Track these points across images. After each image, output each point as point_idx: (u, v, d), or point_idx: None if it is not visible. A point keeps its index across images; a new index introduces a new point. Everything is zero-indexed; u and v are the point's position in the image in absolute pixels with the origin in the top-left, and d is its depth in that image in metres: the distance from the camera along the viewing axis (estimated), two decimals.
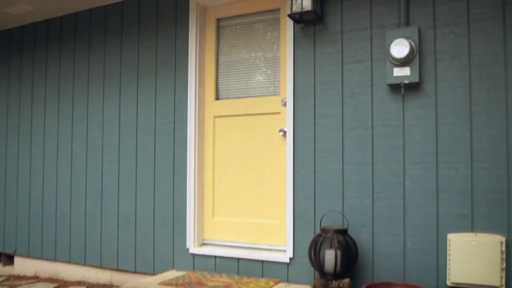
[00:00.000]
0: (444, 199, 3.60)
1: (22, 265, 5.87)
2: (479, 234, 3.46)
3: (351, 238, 3.70)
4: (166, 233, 4.74)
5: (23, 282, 5.47)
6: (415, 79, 3.64)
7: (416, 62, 3.66)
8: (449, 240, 3.50)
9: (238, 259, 4.34)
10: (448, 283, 3.49)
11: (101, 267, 5.17)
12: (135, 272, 4.89)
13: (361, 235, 3.85)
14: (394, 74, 3.71)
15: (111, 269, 5.10)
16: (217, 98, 4.77)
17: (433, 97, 3.67)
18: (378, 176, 3.83)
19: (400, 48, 3.64)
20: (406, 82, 3.66)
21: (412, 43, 3.64)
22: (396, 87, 3.77)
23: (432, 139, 3.66)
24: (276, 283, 4.06)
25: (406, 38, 3.64)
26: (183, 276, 4.35)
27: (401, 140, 3.77)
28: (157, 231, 4.79)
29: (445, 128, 3.63)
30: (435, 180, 3.64)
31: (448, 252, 3.50)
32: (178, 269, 4.64)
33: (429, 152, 3.67)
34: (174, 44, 4.82)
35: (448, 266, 3.50)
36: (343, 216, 3.92)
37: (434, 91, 3.67)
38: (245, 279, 4.15)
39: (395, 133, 3.79)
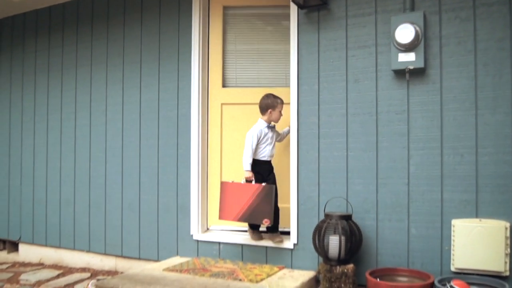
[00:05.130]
0: (448, 185, 3.63)
1: (27, 252, 5.93)
2: (483, 220, 3.49)
3: (355, 224, 3.74)
4: (170, 220, 4.79)
5: (28, 268, 5.54)
6: (420, 64, 3.66)
7: (421, 47, 3.67)
8: (454, 226, 3.54)
9: (242, 245, 4.39)
10: (452, 268, 3.53)
11: (105, 254, 5.23)
12: (139, 258, 4.95)
13: (365, 221, 3.88)
14: (399, 60, 3.73)
15: (116, 255, 5.16)
16: (224, 85, 4.79)
17: (438, 82, 3.69)
18: (383, 162, 3.86)
19: (405, 34, 3.65)
20: (411, 67, 3.68)
21: (417, 28, 3.64)
22: (401, 73, 3.78)
23: (437, 125, 3.68)
24: (280, 269, 4.11)
25: (411, 23, 3.64)
26: (187, 262, 4.40)
27: (405, 126, 3.79)
28: (161, 218, 4.84)
29: (450, 113, 3.65)
30: (439, 165, 3.66)
31: (452, 237, 3.54)
32: (182, 256, 4.69)
33: (433, 138, 3.69)
34: (177, 30, 4.83)
35: (452, 252, 3.54)
36: (347, 202, 3.95)
37: (439, 77, 3.68)
38: (249, 265, 4.20)
39: (400, 119, 3.81)
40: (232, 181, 4.26)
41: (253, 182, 4.16)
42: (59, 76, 5.66)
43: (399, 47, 3.71)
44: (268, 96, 4.30)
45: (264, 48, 4.70)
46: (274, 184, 4.22)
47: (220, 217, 4.23)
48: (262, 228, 4.34)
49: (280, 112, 4.31)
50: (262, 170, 4.29)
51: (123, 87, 5.15)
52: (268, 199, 4.04)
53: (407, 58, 3.70)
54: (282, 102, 4.29)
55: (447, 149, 3.64)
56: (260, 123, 4.30)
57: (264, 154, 4.30)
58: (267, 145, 4.29)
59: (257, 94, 4.50)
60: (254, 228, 4.35)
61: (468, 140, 3.58)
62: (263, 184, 4.10)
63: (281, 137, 4.50)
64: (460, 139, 3.61)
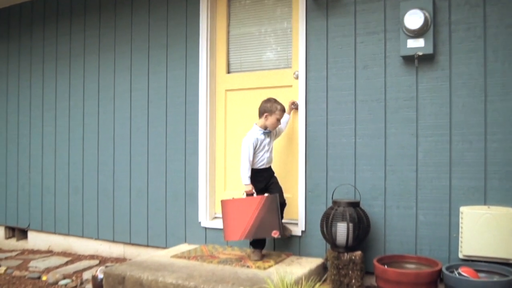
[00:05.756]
0: (457, 172, 3.66)
1: (36, 240, 6.05)
2: (492, 207, 3.52)
3: (363, 211, 3.79)
4: (178, 207, 4.86)
5: (37, 256, 5.65)
6: (429, 50, 3.68)
7: (430, 33, 3.68)
8: (462, 213, 3.57)
9: None
10: (460, 256, 3.57)
11: (114, 241, 5.32)
12: (147, 246, 5.03)
13: (373, 208, 3.93)
14: (408, 46, 3.75)
15: (124, 243, 5.25)
16: (229, 71, 4.84)
17: (447, 69, 3.71)
18: (391, 149, 3.89)
19: (414, 19, 3.67)
20: (420, 53, 3.70)
21: (427, 14, 3.66)
22: (410, 59, 3.80)
23: (445, 112, 3.71)
24: (288, 256, 4.17)
25: (421, 9, 3.66)
26: (195, 249, 4.47)
27: (414, 112, 3.82)
28: (169, 205, 4.91)
29: (459, 100, 3.67)
30: (448, 152, 3.69)
31: (460, 225, 3.58)
32: (190, 243, 4.77)
33: (442, 124, 3.72)
34: (185, 17, 4.87)
35: (460, 239, 3.58)
36: (355, 189, 4.00)
37: (448, 63, 3.71)
38: None
39: (408, 105, 3.84)
40: (233, 198, 4.08)
41: (255, 195, 4.00)
42: (67, 64, 5.73)
43: (408, 33, 3.73)
44: (269, 100, 4.10)
45: (266, 31, 4.69)
46: (278, 190, 4.09)
47: (226, 238, 4.02)
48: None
49: (278, 119, 4.06)
50: (262, 178, 4.12)
51: (131, 75, 5.21)
52: (273, 209, 3.86)
53: (416, 44, 3.72)
54: (282, 109, 4.07)
55: (456, 135, 3.67)
56: (255, 130, 4.10)
57: (262, 163, 4.09)
58: (264, 152, 4.09)
59: (260, 78, 4.57)
60: (256, 246, 4.07)
61: (477, 127, 3.61)
62: (266, 195, 3.91)
63: (278, 133, 4.32)
64: (469, 125, 3.64)
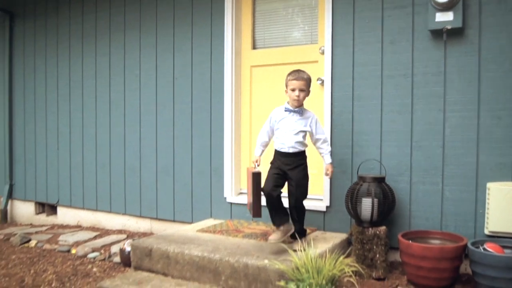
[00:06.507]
0: (484, 148, 3.70)
1: (65, 215, 6.28)
2: None
3: (388, 186, 3.85)
4: (204, 183, 5.00)
5: (66, 230, 5.88)
6: (458, 24, 3.68)
7: (459, 6, 3.68)
8: (489, 189, 3.60)
9: None
10: (486, 232, 3.62)
11: (141, 216, 5.51)
12: (173, 221, 5.19)
13: (398, 184, 3.99)
14: (436, 20, 3.76)
15: (151, 218, 5.43)
16: (254, 47, 4.91)
17: (477, 43, 3.71)
18: (418, 124, 3.93)
19: None
20: (449, 27, 3.71)
21: None
22: (438, 33, 3.81)
23: (474, 87, 3.72)
24: (313, 231, 4.27)
25: None
26: (221, 224, 4.61)
27: (442, 88, 3.84)
28: (195, 181, 5.04)
29: (488, 75, 3.68)
30: (476, 128, 3.72)
31: (487, 201, 3.61)
32: (216, 218, 4.90)
33: (470, 100, 3.74)
34: None
35: (486, 215, 3.62)
36: (381, 164, 4.06)
37: (478, 37, 3.71)
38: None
39: (436, 80, 3.86)
40: (247, 168, 4.01)
41: (257, 166, 3.87)
42: (93, 42, 5.87)
43: (436, 6, 3.73)
44: (289, 72, 3.82)
45: (292, 6, 4.73)
46: (299, 182, 3.75)
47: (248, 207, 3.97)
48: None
49: (293, 90, 3.71)
50: (282, 164, 3.79)
51: (157, 52, 5.32)
52: (252, 188, 3.68)
53: (445, 17, 3.73)
54: (296, 78, 3.71)
55: (484, 111, 3.69)
56: (282, 106, 3.88)
57: (279, 143, 3.81)
58: (281, 132, 3.80)
59: (285, 54, 4.64)
60: (277, 224, 3.76)
61: (506, 102, 3.62)
62: (253, 171, 3.70)
63: (312, 134, 3.85)
64: (498, 101, 3.65)
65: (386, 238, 3.77)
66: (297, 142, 3.75)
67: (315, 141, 3.85)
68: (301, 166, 3.81)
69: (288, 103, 3.83)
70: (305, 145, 3.83)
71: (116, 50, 5.67)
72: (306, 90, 3.74)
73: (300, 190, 3.77)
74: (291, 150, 3.76)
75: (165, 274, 3.82)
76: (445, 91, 3.83)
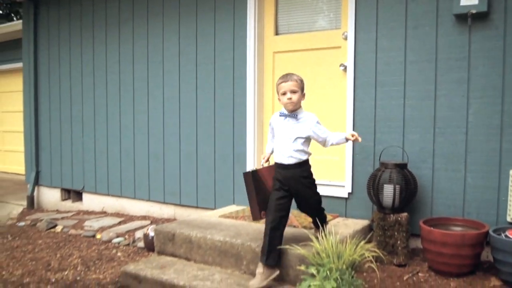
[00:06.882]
0: (508, 135, 3.69)
1: (90, 201, 6.44)
2: None
3: (410, 173, 3.87)
4: (226, 170, 5.08)
5: (92, 216, 6.04)
6: (483, 8, 3.67)
7: None
8: (511, 176, 3.60)
9: None
10: (508, 219, 3.63)
11: (164, 202, 5.63)
12: (197, 207, 5.30)
13: (420, 170, 4.00)
14: (461, 4, 3.74)
15: (174, 204, 5.55)
16: (277, 33, 4.95)
17: (502, 27, 3.69)
18: (440, 110, 3.94)
19: None
20: (474, 11, 3.69)
21: None
22: (463, 18, 3.80)
23: (498, 73, 3.71)
24: (334, 217, 4.32)
25: None
26: (243, 210, 4.69)
27: (465, 73, 3.83)
28: (218, 168, 5.13)
29: None
30: (500, 114, 3.71)
31: (510, 188, 3.62)
32: (238, 205, 4.98)
33: (494, 85, 3.73)
34: None
35: (509, 203, 3.63)
36: (403, 151, 4.07)
37: (503, 21, 3.69)
38: (304, 214, 4.41)
39: (460, 66, 3.85)
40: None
41: (263, 162, 3.66)
42: (116, 30, 5.99)
43: None
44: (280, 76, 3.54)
45: None
46: (309, 200, 3.54)
47: None
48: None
49: (284, 94, 3.41)
50: (283, 179, 3.43)
51: (179, 39, 5.40)
52: (247, 190, 3.50)
53: (470, 1, 3.71)
54: (283, 81, 3.42)
55: (509, 97, 3.67)
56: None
57: (277, 153, 3.48)
58: (280, 140, 3.46)
59: (308, 40, 4.67)
60: (265, 261, 3.32)
61: None
62: (244, 172, 3.53)
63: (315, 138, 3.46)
64: None
65: (407, 224, 3.80)
66: (296, 150, 3.39)
67: (321, 142, 3.47)
68: (307, 181, 3.48)
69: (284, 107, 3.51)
70: (307, 153, 3.46)
71: (139, 37, 5.76)
72: (298, 91, 3.40)
73: (314, 207, 3.61)
74: (291, 161, 3.39)
75: (187, 259, 3.93)
76: (469, 76, 3.82)
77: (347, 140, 3.43)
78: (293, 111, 3.44)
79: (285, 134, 3.43)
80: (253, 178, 3.45)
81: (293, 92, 3.38)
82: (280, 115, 3.50)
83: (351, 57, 4.32)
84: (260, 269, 3.28)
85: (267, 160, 3.66)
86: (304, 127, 3.40)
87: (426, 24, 3.98)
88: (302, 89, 3.46)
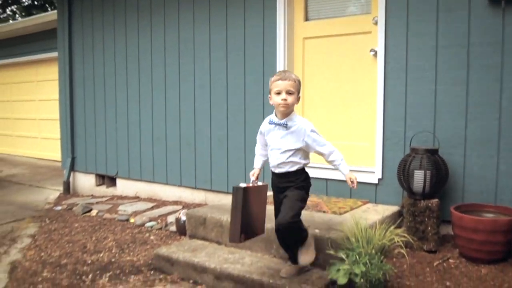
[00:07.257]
0: None
1: (124, 187, 6.61)
2: None
3: (441, 158, 3.87)
4: None
5: (125, 201, 6.20)
6: None
7: None
8: None
9: (327, 180, 4.66)
10: None
11: (195, 188, 5.74)
12: (227, 192, 5.37)
13: (452, 156, 3.98)
14: None
15: (205, 190, 5.65)
16: (306, 19, 4.96)
17: None
18: (473, 96, 3.90)
19: None
20: None
21: None
22: (496, 1, 3.74)
23: None
24: (364, 203, 4.35)
25: None
26: (273, 195, 4.73)
27: (499, 58, 3.78)
28: (248, 154, 5.18)
29: None
30: None
31: None
32: (268, 190, 5.03)
33: None
34: None
35: None
36: (434, 136, 4.06)
37: None
38: (333, 199, 4.47)
39: (493, 50, 3.81)
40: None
41: (253, 180, 3.38)
42: (148, 17, 6.09)
43: None
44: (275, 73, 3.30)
45: None
46: (290, 198, 3.18)
47: None
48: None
49: (278, 93, 3.11)
50: (275, 185, 3.36)
51: (210, 26, 5.46)
52: (231, 205, 3.06)
53: None
54: (280, 79, 3.12)
55: None
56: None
57: (270, 161, 3.30)
58: (270, 150, 3.27)
59: (338, 25, 4.68)
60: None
61: None
62: (238, 186, 3.07)
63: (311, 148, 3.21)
64: None
65: (438, 210, 3.81)
66: (285, 163, 3.19)
67: (320, 154, 3.24)
68: (299, 182, 3.24)
69: (274, 112, 3.25)
70: (300, 163, 3.20)
71: (170, 24, 5.85)
72: (295, 93, 3.12)
73: (291, 207, 3.16)
74: (282, 170, 3.22)
75: (218, 243, 4.02)
76: (503, 61, 3.77)
77: (345, 177, 3.20)
78: (284, 116, 3.17)
79: (274, 144, 3.22)
80: (243, 196, 3.02)
81: (289, 93, 3.09)
82: (269, 123, 3.23)
83: (381, 42, 4.31)
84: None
85: (257, 178, 3.39)
86: (295, 137, 3.16)
87: (458, 7, 3.94)
88: (299, 91, 3.18)
